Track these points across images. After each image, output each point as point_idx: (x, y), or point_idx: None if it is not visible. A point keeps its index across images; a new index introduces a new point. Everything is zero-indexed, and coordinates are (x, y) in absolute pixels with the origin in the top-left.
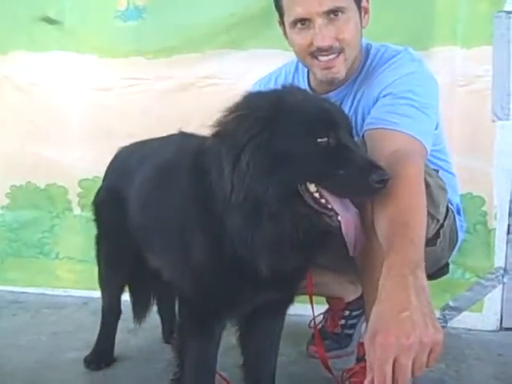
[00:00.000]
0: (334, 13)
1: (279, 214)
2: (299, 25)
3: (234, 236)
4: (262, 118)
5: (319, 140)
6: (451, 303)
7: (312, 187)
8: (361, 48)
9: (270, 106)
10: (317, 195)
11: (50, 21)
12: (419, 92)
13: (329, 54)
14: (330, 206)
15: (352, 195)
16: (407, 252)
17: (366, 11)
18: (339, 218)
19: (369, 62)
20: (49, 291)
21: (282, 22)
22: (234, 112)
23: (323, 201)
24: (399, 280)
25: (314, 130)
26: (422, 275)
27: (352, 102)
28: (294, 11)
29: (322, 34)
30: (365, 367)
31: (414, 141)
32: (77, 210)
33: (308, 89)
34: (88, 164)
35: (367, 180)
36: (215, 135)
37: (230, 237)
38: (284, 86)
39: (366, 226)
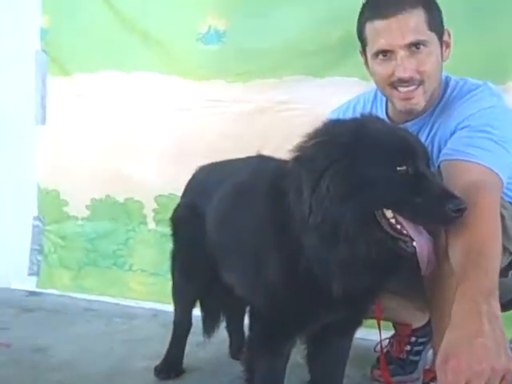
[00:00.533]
0: (416, 46)
1: (355, 237)
2: (381, 56)
3: (309, 255)
4: (343, 144)
5: (398, 168)
6: None
7: (389, 213)
8: (440, 81)
9: (351, 134)
10: (393, 221)
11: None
12: (497, 126)
13: (409, 86)
14: (405, 232)
15: (428, 223)
16: (481, 280)
17: (448, 45)
18: (414, 243)
19: (447, 94)
20: (121, 301)
21: (363, 52)
22: (314, 138)
23: (399, 226)
24: (472, 307)
25: (394, 158)
26: (496, 304)
27: (429, 133)
28: (377, 43)
29: (404, 66)
30: None
31: (491, 173)
32: (151, 225)
33: (386, 118)
34: (164, 181)
35: (444, 208)
36: (295, 159)
37: (305, 256)
38: (363, 115)
39: (440, 252)
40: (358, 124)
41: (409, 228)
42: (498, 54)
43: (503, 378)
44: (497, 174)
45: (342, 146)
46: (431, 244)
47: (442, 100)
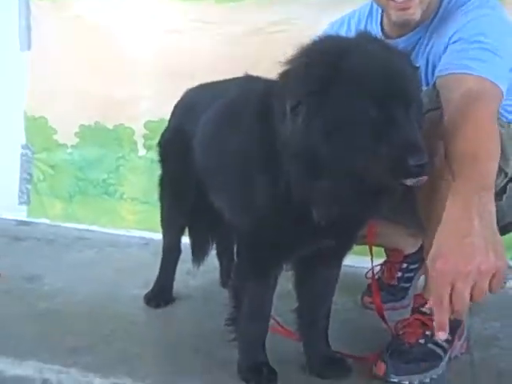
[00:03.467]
0: None
1: (337, 173)
2: None
3: (292, 181)
4: (320, 76)
5: (370, 112)
6: (510, 262)
7: None
8: None
9: (331, 64)
10: None
11: None
12: (492, 34)
13: None
14: None
15: (387, 176)
16: (475, 177)
17: None
18: None
19: (444, 4)
20: (113, 230)
21: None
22: (301, 56)
23: None
24: (464, 203)
25: (367, 100)
26: (488, 198)
27: (424, 49)
28: None
29: None
30: (419, 319)
31: (488, 82)
32: (142, 151)
33: (380, 33)
34: (155, 106)
35: (404, 162)
36: (283, 75)
37: (289, 181)
38: (357, 34)
39: (435, 171)
40: (342, 50)
41: None
42: None
43: (494, 276)
44: (494, 83)
45: (319, 78)
46: None
47: (439, 11)
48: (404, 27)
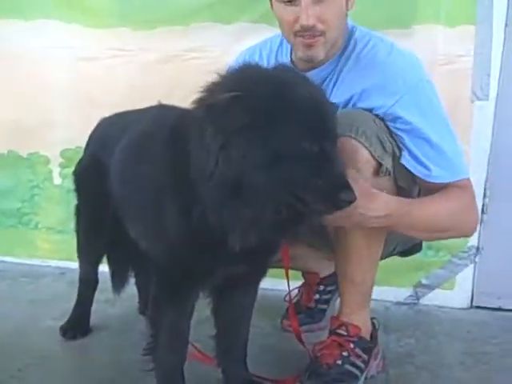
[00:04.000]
0: None
1: (260, 203)
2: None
3: (207, 207)
4: (259, 109)
5: (304, 145)
6: (423, 281)
7: None
8: (344, 30)
9: (269, 97)
10: None
11: None
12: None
13: (311, 35)
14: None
15: (319, 207)
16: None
17: None
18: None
19: (351, 45)
20: (27, 261)
21: None
22: (230, 87)
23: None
24: None
25: (302, 133)
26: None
27: (334, 84)
28: None
29: (307, 13)
30: (336, 340)
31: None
32: (57, 180)
33: (291, 64)
34: (71, 134)
35: (335, 196)
36: (205, 107)
37: (202, 207)
38: (281, 68)
39: None
40: (277, 85)
41: None
42: None
43: None
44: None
45: (258, 111)
46: None
47: (346, 50)
48: (309, 63)
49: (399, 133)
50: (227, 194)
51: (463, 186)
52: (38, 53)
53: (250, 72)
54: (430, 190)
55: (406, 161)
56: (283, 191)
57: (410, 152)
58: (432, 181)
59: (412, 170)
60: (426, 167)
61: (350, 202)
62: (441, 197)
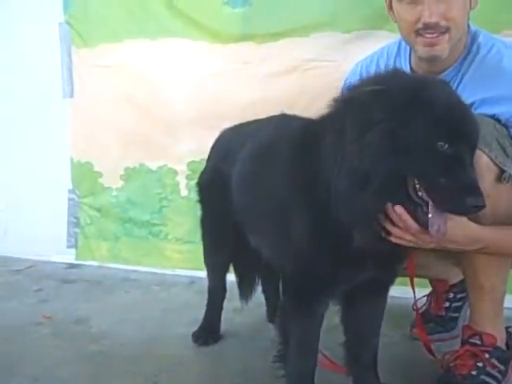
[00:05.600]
0: None
1: (381, 192)
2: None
3: (335, 199)
4: (398, 104)
5: (439, 144)
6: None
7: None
8: (466, 31)
9: (410, 95)
10: (418, 186)
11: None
12: None
13: (434, 32)
14: (425, 200)
15: (445, 207)
16: None
17: None
18: (429, 215)
19: (475, 48)
20: (158, 270)
21: None
22: (371, 84)
23: (420, 193)
24: None
25: (439, 133)
26: None
27: (457, 88)
28: None
29: (431, 11)
30: (470, 350)
31: None
32: (184, 192)
33: (409, 70)
34: (196, 146)
35: (463, 200)
36: (344, 101)
37: (332, 214)
38: (424, 77)
39: None
40: (418, 85)
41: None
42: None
43: None
44: None
45: (398, 106)
46: (445, 219)
47: (469, 54)
48: (431, 64)
49: None
50: (354, 182)
51: None
52: (163, 70)
53: (392, 72)
54: None
55: None
56: (411, 188)
57: None
58: None
59: None
60: None
61: (477, 208)
62: None
